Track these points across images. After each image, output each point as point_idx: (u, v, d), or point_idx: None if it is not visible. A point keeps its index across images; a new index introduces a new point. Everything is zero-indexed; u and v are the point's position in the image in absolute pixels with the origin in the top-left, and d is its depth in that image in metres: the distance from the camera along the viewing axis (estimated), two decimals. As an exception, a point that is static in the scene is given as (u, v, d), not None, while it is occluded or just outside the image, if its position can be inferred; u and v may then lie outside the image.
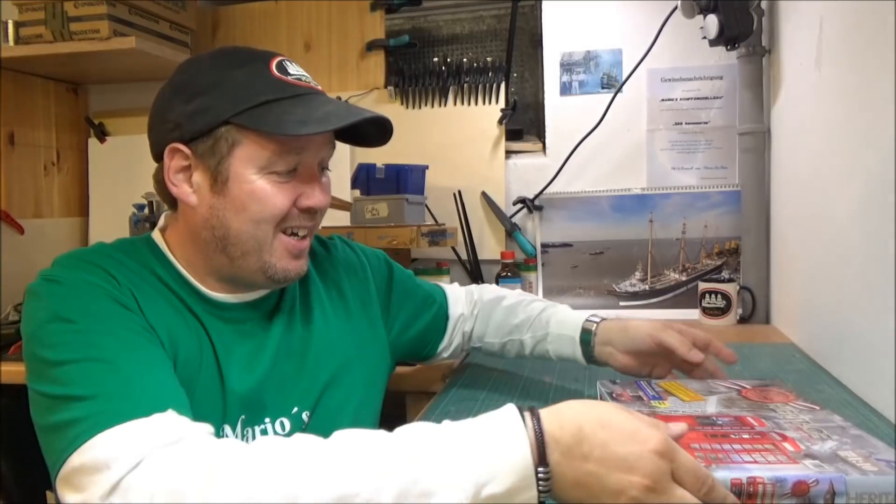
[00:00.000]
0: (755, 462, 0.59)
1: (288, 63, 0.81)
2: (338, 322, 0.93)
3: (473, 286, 1.15)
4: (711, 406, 0.76)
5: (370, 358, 0.96)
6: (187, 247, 0.82)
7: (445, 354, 1.10)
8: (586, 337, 0.96)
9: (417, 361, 1.12)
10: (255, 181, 0.77)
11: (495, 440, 0.54)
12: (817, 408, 0.73)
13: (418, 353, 1.08)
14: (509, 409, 0.56)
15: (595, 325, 0.96)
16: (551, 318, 1.01)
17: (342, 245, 1.03)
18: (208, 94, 0.77)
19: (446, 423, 0.57)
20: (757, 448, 0.62)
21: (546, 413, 0.56)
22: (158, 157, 0.80)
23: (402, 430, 0.57)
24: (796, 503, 0.56)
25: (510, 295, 1.10)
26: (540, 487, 0.52)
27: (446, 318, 1.08)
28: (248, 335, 0.84)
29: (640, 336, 0.90)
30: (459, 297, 1.11)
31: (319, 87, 0.83)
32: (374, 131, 0.86)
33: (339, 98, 1.85)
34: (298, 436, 0.58)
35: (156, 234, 0.85)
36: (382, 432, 0.57)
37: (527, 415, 0.55)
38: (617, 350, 0.92)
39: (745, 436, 0.66)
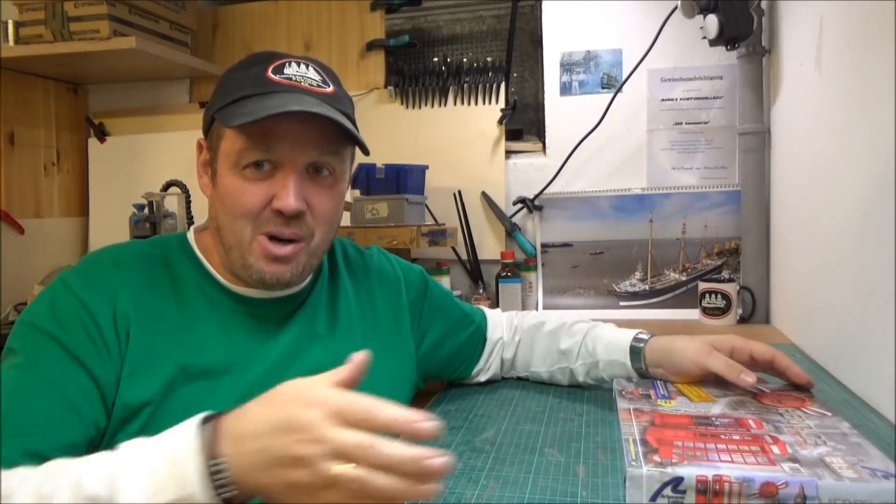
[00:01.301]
0: (731, 462, 0.59)
1: (293, 64, 0.80)
2: (364, 330, 0.92)
3: (513, 312, 1.14)
4: (718, 408, 0.76)
5: (395, 370, 0.95)
6: (215, 241, 0.84)
7: (482, 378, 1.08)
8: (637, 364, 0.94)
9: (450, 381, 1.10)
10: (230, 176, 0.78)
11: (169, 447, 0.53)
12: (828, 414, 0.73)
13: (450, 372, 1.07)
14: (188, 422, 0.55)
15: (642, 347, 0.94)
16: (597, 344, 0.99)
17: (379, 255, 1.02)
18: (216, 92, 0.82)
19: (137, 439, 0.56)
20: (742, 449, 0.63)
21: (227, 415, 0.55)
22: None
23: (73, 467, 0.56)
24: None
25: (550, 319, 1.08)
26: (216, 481, 0.51)
27: (484, 340, 1.07)
28: (270, 332, 0.84)
29: (685, 363, 0.88)
30: (500, 321, 1.10)
31: (326, 89, 0.80)
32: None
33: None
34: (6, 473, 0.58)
35: (189, 233, 0.87)
36: (65, 459, 0.57)
37: (202, 419, 0.55)
38: (668, 372, 0.91)
39: (736, 437, 0.66)
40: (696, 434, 0.67)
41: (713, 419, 0.72)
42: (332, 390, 0.53)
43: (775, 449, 0.63)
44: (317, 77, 0.81)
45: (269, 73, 0.78)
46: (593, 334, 1.01)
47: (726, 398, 0.79)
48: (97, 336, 0.73)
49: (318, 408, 0.50)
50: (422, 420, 0.50)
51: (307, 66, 0.81)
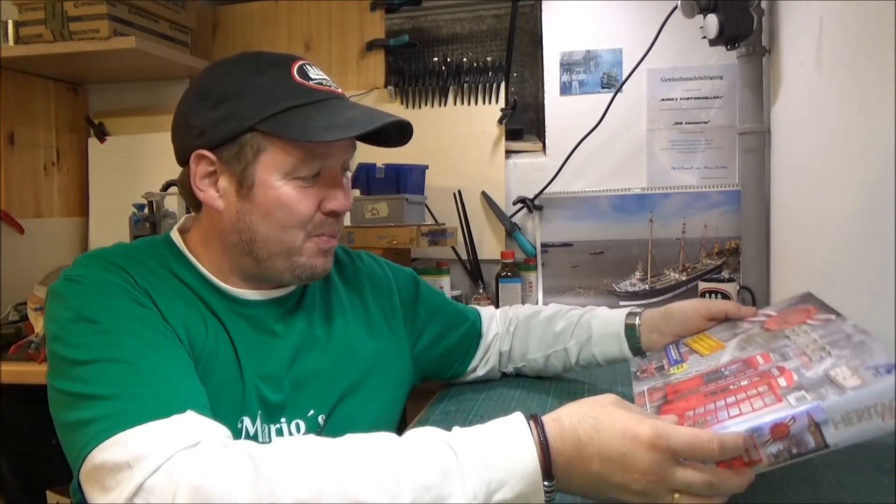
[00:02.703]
0: (740, 414, 0.58)
1: (309, 67, 0.81)
2: (359, 331, 0.93)
3: (507, 307, 1.15)
4: (727, 354, 0.74)
5: (391, 370, 0.96)
6: (212, 248, 0.83)
7: (480, 373, 1.09)
8: (631, 331, 0.96)
9: (445, 379, 1.10)
10: (280, 187, 0.78)
11: (505, 449, 0.57)
12: (833, 317, 0.70)
13: (445, 369, 1.07)
14: (517, 420, 0.59)
15: (637, 316, 0.97)
16: (592, 321, 1.02)
17: (369, 259, 1.04)
18: (232, 100, 0.78)
19: (456, 429, 0.59)
20: (750, 395, 0.61)
21: (548, 423, 0.58)
22: (184, 161, 0.82)
23: (414, 437, 0.59)
24: (784, 445, 0.55)
25: (547, 308, 1.10)
26: (546, 499, 0.56)
27: (479, 336, 1.08)
28: (268, 332, 0.84)
29: (689, 317, 0.89)
30: (494, 316, 1.11)
31: (340, 90, 0.83)
32: (394, 132, 0.86)
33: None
34: (312, 438, 0.60)
35: (174, 235, 0.86)
36: (393, 437, 0.59)
37: (532, 425, 0.58)
38: (663, 335, 0.92)
39: (744, 382, 0.64)
40: (705, 395, 0.65)
41: (722, 369, 0.70)
42: (669, 430, 0.56)
43: (782, 381, 0.61)
44: (328, 77, 0.84)
45: (298, 78, 0.79)
46: (590, 314, 1.04)
47: (736, 338, 0.76)
48: (136, 292, 0.74)
49: (660, 451, 0.55)
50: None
51: (317, 68, 0.84)
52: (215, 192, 0.80)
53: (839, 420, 0.54)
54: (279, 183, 0.78)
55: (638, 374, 0.82)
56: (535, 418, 0.59)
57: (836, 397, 0.54)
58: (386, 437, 0.59)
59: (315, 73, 0.81)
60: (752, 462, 0.56)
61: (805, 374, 0.60)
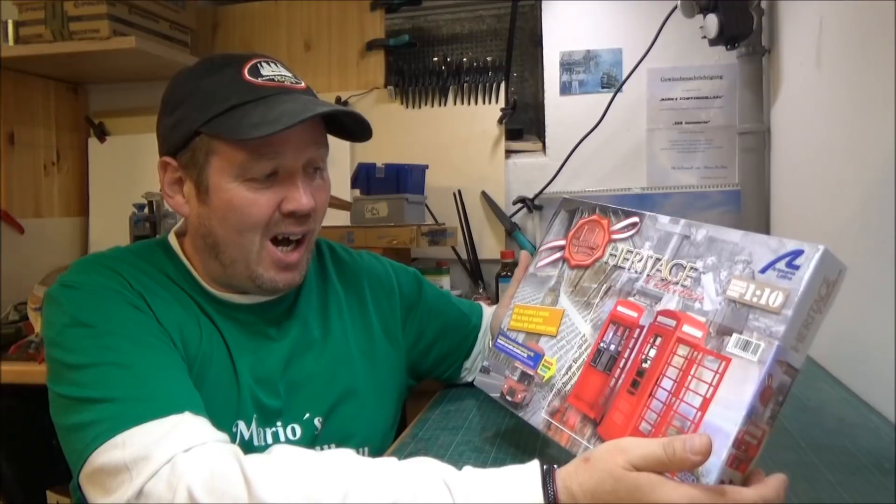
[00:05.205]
0: (704, 399, 0.53)
1: (264, 64, 0.78)
2: (356, 334, 0.92)
3: (490, 310, 1.11)
4: (580, 321, 0.66)
5: (388, 372, 0.95)
6: (197, 252, 0.83)
7: (469, 378, 1.06)
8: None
9: (443, 381, 1.08)
10: (232, 189, 0.75)
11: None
12: (635, 220, 0.64)
13: (441, 372, 1.05)
14: (530, 476, 0.55)
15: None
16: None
17: (370, 258, 1.02)
18: (183, 105, 0.78)
19: (466, 469, 0.57)
20: (681, 367, 0.55)
21: (560, 490, 0.54)
22: None
23: (414, 472, 0.57)
24: (773, 402, 0.52)
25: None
26: None
27: (476, 340, 1.05)
28: (263, 336, 0.83)
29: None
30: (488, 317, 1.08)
31: (300, 85, 0.80)
32: (351, 123, 0.83)
33: (339, 98, 1.86)
34: (309, 452, 0.60)
35: (172, 238, 0.85)
36: (393, 468, 0.57)
37: (546, 487, 0.54)
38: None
39: (652, 352, 0.58)
40: (629, 392, 0.58)
41: (603, 346, 0.62)
42: (699, 493, 0.50)
43: (693, 331, 0.56)
44: (289, 73, 0.81)
45: (248, 77, 0.76)
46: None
47: (562, 296, 0.69)
48: (132, 296, 0.74)
49: None
50: None
51: (277, 64, 0.80)
52: (182, 199, 0.80)
53: (796, 343, 0.52)
54: (231, 185, 0.75)
55: (507, 398, 0.72)
56: (551, 476, 0.54)
57: (782, 327, 0.51)
58: (386, 467, 0.58)
59: (269, 70, 0.77)
60: (761, 441, 0.52)
61: (706, 309, 0.55)
